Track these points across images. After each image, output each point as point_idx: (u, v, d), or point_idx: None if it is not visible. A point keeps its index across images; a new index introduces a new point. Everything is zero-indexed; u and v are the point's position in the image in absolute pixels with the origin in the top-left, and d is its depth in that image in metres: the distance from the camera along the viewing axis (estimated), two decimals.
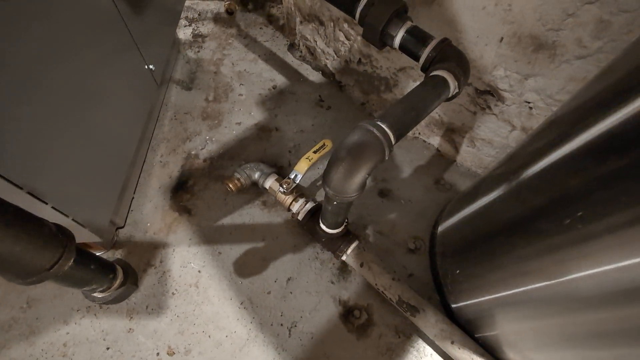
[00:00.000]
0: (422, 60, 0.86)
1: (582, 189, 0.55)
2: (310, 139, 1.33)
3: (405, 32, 0.86)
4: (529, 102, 0.97)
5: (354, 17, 0.95)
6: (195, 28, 1.67)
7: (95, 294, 0.76)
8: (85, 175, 0.82)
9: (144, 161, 1.20)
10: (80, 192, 0.79)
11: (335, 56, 1.42)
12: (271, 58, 1.59)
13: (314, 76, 1.54)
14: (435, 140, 1.32)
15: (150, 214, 1.10)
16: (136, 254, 1.02)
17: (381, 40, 0.91)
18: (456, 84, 0.79)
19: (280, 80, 1.51)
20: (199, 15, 1.74)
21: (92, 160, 0.85)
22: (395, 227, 1.13)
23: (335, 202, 0.77)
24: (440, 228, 1.09)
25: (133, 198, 1.13)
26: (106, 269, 0.76)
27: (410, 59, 0.89)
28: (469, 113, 1.13)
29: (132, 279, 0.89)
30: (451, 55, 0.81)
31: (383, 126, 0.67)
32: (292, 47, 1.63)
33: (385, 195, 1.20)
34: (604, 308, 0.55)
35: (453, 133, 1.24)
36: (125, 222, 1.08)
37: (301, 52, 1.60)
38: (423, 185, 1.23)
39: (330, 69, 1.49)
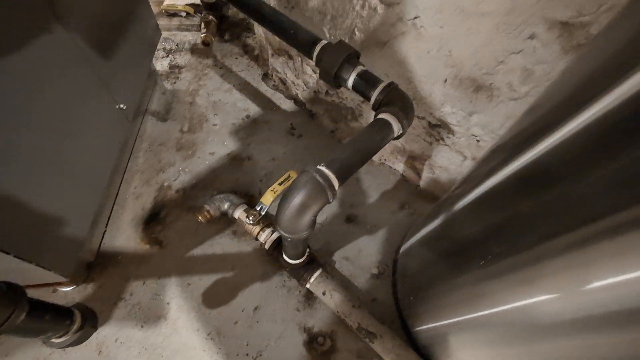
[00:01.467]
0: (372, 101, 0.93)
1: (530, 211, 0.58)
2: (282, 167, 1.38)
3: (356, 76, 0.94)
4: (475, 136, 1.04)
5: (311, 59, 1.02)
6: (173, 59, 1.74)
7: (52, 340, 0.79)
8: (52, 217, 0.86)
9: (117, 194, 1.24)
10: (47, 235, 0.83)
11: (305, 87, 1.49)
12: (246, 87, 1.65)
13: (287, 105, 1.61)
14: (400, 167, 1.39)
15: (122, 246, 1.14)
16: (107, 287, 1.06)
17: (335, 82, 0.98)
18: (399, 126, 0.86)
19: (254, 109, 1.57)
20: (177, 46, 1.81)
21: (59, 202, 0.89)
22: (360, 253, 1.19)
23: (289, 240, 0.82)
24: (401, 252, 1.15)
25: (105, 231, 1.16)
26: (62, 316, 0.79)
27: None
28: (425, 143, 1.20)
29: (90, 321, 0.92)
30: (396, 100, 0.88)
31: (327, 172, 0.73)
32: (265, 76, 1.70)
33: (352, 220, 1.26)
34: (563, 336, 0.54)
35: (414, 160, 1.31)
36: (97, 255, 1.11)
37: (274, 81, 1.67)
38: (389, 210, 1.29)
39: (301, 98, 1.56)
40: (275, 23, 1.07)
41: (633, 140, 0.39)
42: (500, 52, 0.83)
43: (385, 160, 1.43)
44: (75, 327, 0.79)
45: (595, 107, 0.46)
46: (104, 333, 0.98)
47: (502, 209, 0.68)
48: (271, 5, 1.35)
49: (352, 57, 0.95)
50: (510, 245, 0.62)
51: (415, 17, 0.92)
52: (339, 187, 0.75)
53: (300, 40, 1.03)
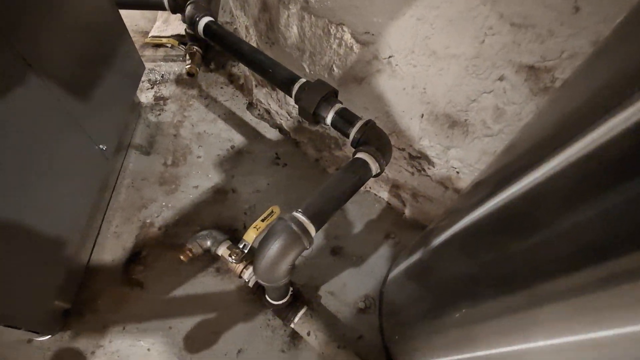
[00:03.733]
0: (350, 138, 0.93)
1: (514, 250, 0.56)
2: (266, 198, 1.37)
3: (334, 114, 0.94)
4: (455, 168, 1.05)
5: (290, 96, 1.03)
6: (157, 91, 1.75)
7: None
8: (24, 267, 0.84)
9: (98, 234, 1.22)
10: (15, 289, 0.80)
11: (289, 117, 1.50)
12: (230, 117, 1.66)
13: (272, 133, 1.61)
14: (384, 195, 1.39)
15: (101, 290, 1.11)
16: (84, 335, 1.02)
17: (314, 119, 0.99)
18: (377, 165, 0.86)
19: (238, 139, 1.57)
20: (162, 77, 1.82)
21: (33, 249, 0.86)
22: (346, 287, 1.17)
23: (267, 285, 0.80)
24: (387, 285, 1.13)
25: (84, 274, 1.13)
26: None
27: None
28: (408, 173, 1.21)
29: None
30: (373, 139, 0.89)
31: (302, 218, 0.72)
32: (250, 105, 1.71)
33: (337, 253, 1.25)
34: None
35: (398, 189, 1.31)
36: (75, 301, 1.08)
37: (259, 111, 1.68)
38: (374, 241, 1.28)
39: (286, 127, 1.57)
40: (254, 62, 1.08)
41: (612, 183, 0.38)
42: (472, 91, 0.85)
43: (370, 188, 1.43)
44: None
45: (569, 150, 0.46)
46: None
47: (486, 246, 0.67)
48: (253, 40, 1.37)
49: (329, 95, 0.96)
50: (500, 285, 0.60)
51: (390, 56, 0.94)
52: (315, 232, 0.74)
53: (279, 79, 1.04)
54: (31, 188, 0.86)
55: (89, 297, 1.09)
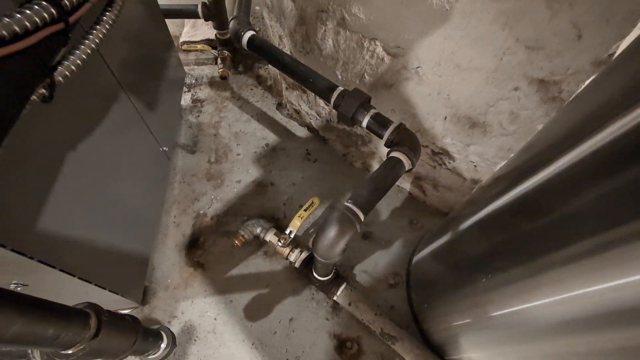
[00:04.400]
0: (384, 139, 1.09)
1: (528, 231, 0.72)
2: (301, 191, 1.55)
3: (370, 118, 1.10)
4: (473, 162, 1.21)
5: (328, 102, 1.18)
6: (194, 93, 1.91)
7: (149, 357, 0.95)
8: (126, 251, 1.03)
9: (160, 223, 1.41)
10: (123, 267, 0.99)
11: (318, 117, 1.66)
12: (262, 117, 1.82)
13: (301, 132, 1.77)
14: (407, 186, 1.56)
15: (169, 271, 1.30)
16: (161, 308, 1.22)
17: (352, 123, 1.15)
18: (410, 162, 1.02)
19: (271, 137, 1.74)
20: (196, 80, 1.98)
21: (130, 238, 1.05)
22: (377, 266, 1.35)
23: (323, 263, 0.98)
24: (413, 265, 1.31)
25: (155, 257, 1.32)
26: (157, 337, 0.95)
27: None
28: (429, 167, 1.37)
29: (173, 340, 1.06)
30: (405, 140, 1.05)
31: (353, 208, 0.89)
32: (280, 105, 1.87)
33: (368, 237, 1.42)
34: (557, 335, 0.65)
35: (420, 180, 1.47)
36: (150, 280, 1.27)
37: (288, 110, 1.83)
38: (399, 226, 1.46)
39: (314, 126, 1.73)
40: (296, 72, 1.23)
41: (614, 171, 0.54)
42: (490, 98, 1.00)
43: None
44: (164, 345, 0.95)
45: (578, 149, 0.61)
46: None
47: (504, 229, 0.83)
48: (286, 48, 1.52)
49: (365, 102, 1.11)
50: (512, 259, 0.76)
51: (417, 67, 1.09)
52: (364, 218, 0.92)
53: (319, 87, 1.19)
54: (122, 185, 1.04)
55: (160, 276, 1.28)
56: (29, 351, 0.64)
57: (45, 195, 0.66)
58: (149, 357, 0.90)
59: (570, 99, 0.85)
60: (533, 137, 0.86)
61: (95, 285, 0.79)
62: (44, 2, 0.45)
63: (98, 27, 0.60)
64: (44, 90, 0.48)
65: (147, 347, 0.83)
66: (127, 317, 0.72)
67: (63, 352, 0.53)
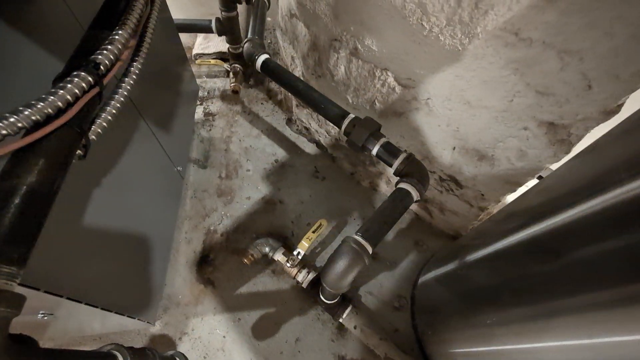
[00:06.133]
0: (393, 169, 1.12)
1: (539, 273, 0.72)
2: (310, 209, 1.58)
3: (380, 147, 1.12)
4: (480, 191, 1.23)
5: (339, 128, 1.21)
6: (206, 107, 1.94)
7: None
8: (143, 274, 1.07)
9: (172, 240, 1.45)
10: (139, 291, 1.03)
11: (327, 135, 1.69)
12: (272, 132, 1.85)
13: (310, 148, 1.80)
14: (414, 207, 1.58)
15: (181, 287, 1.34)
16: (172, 324, 1.26)
17: (362, 150, 1.17)
18: (418, 194, 1.04)
19: (280, 154, 1.77)
20: (208, 93, 2.01)
21: (148, 261, 1.09)
22: (382, 287, 1.38)
23: (331, 292, 1.01)
24: (418, 288, 1.34)
25: (166, 275, 1.37)
26: None
27: None
28: (437, 191, 1.39)
29: None
30: (415, 172, 1.07)
31: (362, 241, 0.92)
32: (289, 121, 1.90)
33: (373, 258, 1.45)
34: None
35: (427, 203, 1.50)
36: (162, 296, 1.31)
37: (298, 126, 1.86)
38: (404, 247, 1.48)
39: (324, 144, 1.76)
40: (309, 98, 1.25)
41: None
42: (499, 134, 1.02)
43: None
44: None
45: (600, 198, 0.63)
46: None
47: (516, 267, 0.83)
48: (298, 69, 1.55)
49: (376, 131, 1.14)
50: (521, 297, 0.76)
51: (427, 99, 1.11)
52: (372, 251, 0.94)
53: (330, 114, 1.21)
54: (139, 207, 1.08)
55: (172, 293, 1.32)
56: None
57: (73, 233, 0.69)
58: None
59: (589, 144, 0.86)
60: (548, 177, 0.87)
61: (115, 313, 0.83)
62: (82, 73, 0.48)
63: (126, 79, 0.63)
64: (79, 151, 0.51)
65: None
66: (148, 351, 0.76)
67: None
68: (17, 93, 0.49)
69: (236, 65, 1.99)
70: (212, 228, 1.50)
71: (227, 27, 1.84)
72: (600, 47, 0.71)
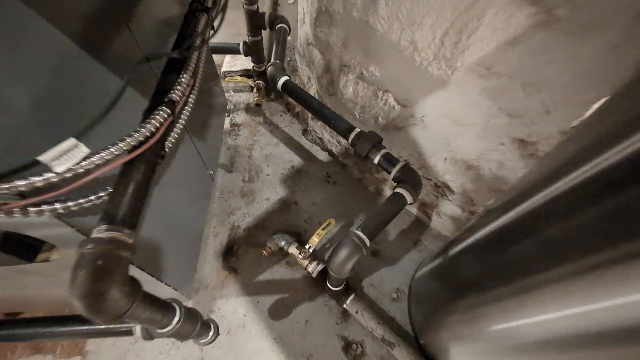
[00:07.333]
0: (392, 175, 1.31)
1: (514, 255, 0.83)
2: (321, 210, 1.78)
3: (380, 157, 1.31)
4: (470, 196, 1.40)
5: (347, 141, 1.41)
6: (232, 118, 2.20)
7: (200, 340, 1.18)
8: (182, 253, 1.30)
9: (203, 232, 1.69)
10: (179, 267, 1.27)
11: (338, 144, 1.89)
12: (289, 141, 2.08)
13: (323, 156, 2.01)
14: (414, 210, 1.75)
15: (209, 273, 1.57)
16: (202, 303, 1.49)
17: (365, 159, 1.37)
18: (411, 197, 1.23)
19: (297, 160, 1.99)
20: (234, 106, 2.27)
21: (186, 242, 1.33)
22: (382, 281, 1.56)
23: (336, 276, 1.21)
24: (414, 281, 1.51)
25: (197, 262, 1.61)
26: (207, 325, 1.20)
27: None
28: (433, 196, 1.57)
29: (217, 330, 1.28)
30: (409, 178, 1.25)
31: (361, 235, 1.12)
32: (305, 131, 2.12)
33: (376, 255, 1.64)
34: (539, 351, 0.72)
35: (425, 207, 1.67)
36: (194, 280, 1.55)
37: (312, 136, 2.08)
38: (404, 246, 1.66)
39: (335, 152, 1.97)
40: (321, 114, 1.46)
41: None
42: (482, 148, 1.19)
43: None
44: (212, 333, 1.20)
45: (549, 190, 0.78)
46: None
47: (492, 253, 0.99)
48: (313, 87, 1.77)
49: (377, 143, 1.34)
50: (498, 280, 0.90)
51: (422, 116, 1.30)
52: (369, 243, 1.14)
53: (339, 128, 1.42)
54: (181, 201, 1.32)
55: (202, 278, 1.56)
56: (133, 327, 0.90)
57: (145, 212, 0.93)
58: (201, 341, 1.16)
59: (542, 154, 1.03)
60: (515, 182, 1.04)
61: (165, 284, 1.06)
62: (163, 108, 0.71)
63: (186, 107, 0.86)
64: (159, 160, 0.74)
65: (202, 332, 1.08)
66: (193, 309, 0.98)
67: (159, 330, 0.79)
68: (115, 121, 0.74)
69: (259, 81, 2.24)
70: (236, 224, 1.73)
71: (253, 49, 2.10)
72: (554, 81, 0.88)
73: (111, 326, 0.90)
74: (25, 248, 0.70)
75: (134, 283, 0.60)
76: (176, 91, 0.75)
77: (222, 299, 1.50)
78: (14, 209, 0.52)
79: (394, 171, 1.28)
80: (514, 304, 0.78)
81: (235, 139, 2.09)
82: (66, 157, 0.51)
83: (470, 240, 1.12)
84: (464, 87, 1.06)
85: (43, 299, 1.20)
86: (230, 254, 1.63)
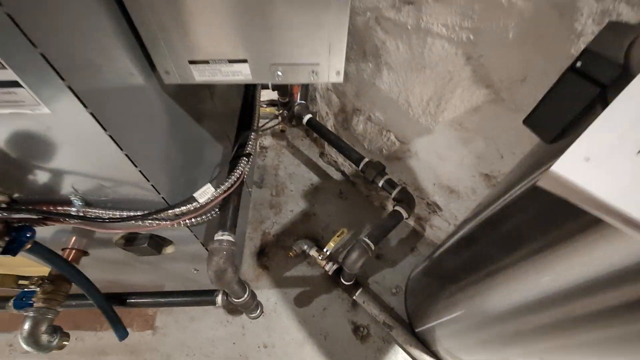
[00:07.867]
0: (392, 196, 1.71)
1: (476, 252, 1.28)
2: (335, 220, 2.18)
3: (384, 181, 1.72)
4: (454, 213, 1.78)
5: (358, 168, 1.82)
6: (261, 142, 2.63)
7: (250, 315, 1.60)
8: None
9: (245, 236, 2.10)
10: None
11: (350, 167, 2.30)
12: (309, 163, 2.49)
13: (337, 175, 2.42)
14: (411, 222, 2.14)
15: (247, 269, 1.98)
16: None
17: (372, 183, 1.78)
18: (407, 214, 1.62)
19: (315, 179, 2.40)
20: (262, 131, 2.71)
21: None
22: (384, 279, 1.94)
23: (348, 272, 1.61)
24: (410, 279, 1.89)
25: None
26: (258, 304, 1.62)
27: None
28: (426, 212, 1.96)
29: (262, 309, 1.74)
30: (405, 199, 1.65)
31: (368, 242, 1.51)
32: (322, 154, 2.54)
33: (379, 258, 2.02)
34: (502, 321, 0.92)
35: (420, 220, 2.06)
36: None
37: (328, 159, 2.50)
38: (403, 252, 2.04)
39: (347, 173, 2.38)
40: (337, 145, 1.88)
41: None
42: (460, 177, 1.58)
43: None
44: (259, 309, 1.59)
45: (498, 203, 1.18)
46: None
47: (465, 251, 1.39)
48: (330, 120, 2.19)
49: (382, 170, 1.74)
50: (471, 270, 1.29)
51: (416, 151, 1.70)
52: (374, 248, 1.53)
53: (352, 157, 1.82)
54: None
55: (241, 273, 1.97)
56: (216, 297, 1.31)
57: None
58: (251, 315, 1.56)
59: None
60: (481, 200, 1.43)
61: None
62: (244, 158, 1.13)
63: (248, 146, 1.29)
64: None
65: (254, 309, 1.47)
66: (253, 292, 1.38)
67: (235, 300, 1.19)
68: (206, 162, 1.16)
69: (284, 110, 2.68)
70: (266, 231, 2.14)
71: (280, 85, 2.54)
72: (503, 137, 1.28)
73: (199, 298, 1.31)
74: (157, 244, 1.11)
75: (236, 267, 1.01)
76: (250, 143, 1.18)
77: (258, 290, 1.90)
78: (176, 223, 0.94)
79: (394, 193, 1.68)
80: (482, 287, 0.98)
81: (264, 159, 2.52)
82: (204, 193, 0.92)
83: (450, 243, 1.49)
84: (444, 135, 1.47)
85: (140, 282, 1.61)
86: (262, 254, 2.04)
